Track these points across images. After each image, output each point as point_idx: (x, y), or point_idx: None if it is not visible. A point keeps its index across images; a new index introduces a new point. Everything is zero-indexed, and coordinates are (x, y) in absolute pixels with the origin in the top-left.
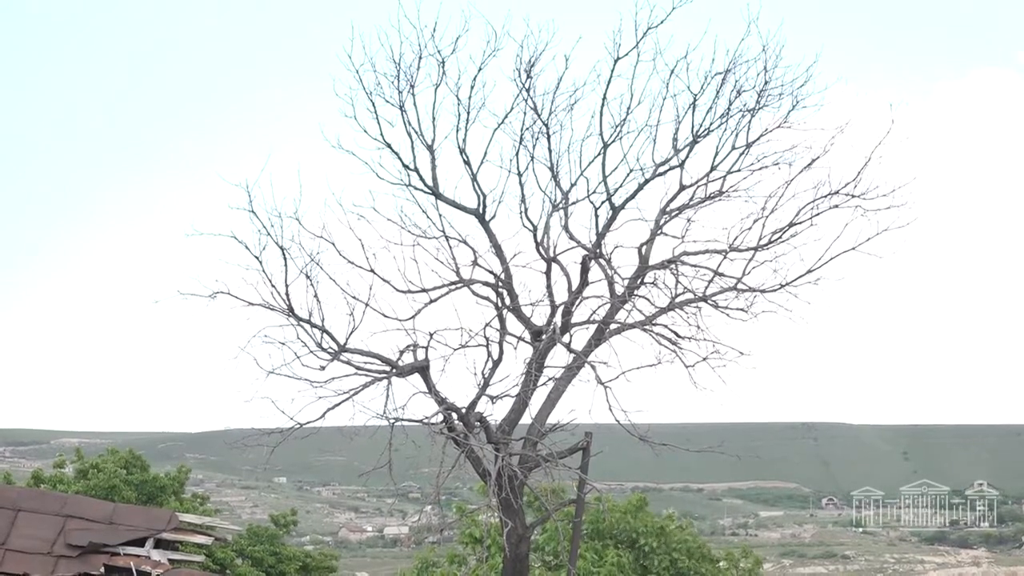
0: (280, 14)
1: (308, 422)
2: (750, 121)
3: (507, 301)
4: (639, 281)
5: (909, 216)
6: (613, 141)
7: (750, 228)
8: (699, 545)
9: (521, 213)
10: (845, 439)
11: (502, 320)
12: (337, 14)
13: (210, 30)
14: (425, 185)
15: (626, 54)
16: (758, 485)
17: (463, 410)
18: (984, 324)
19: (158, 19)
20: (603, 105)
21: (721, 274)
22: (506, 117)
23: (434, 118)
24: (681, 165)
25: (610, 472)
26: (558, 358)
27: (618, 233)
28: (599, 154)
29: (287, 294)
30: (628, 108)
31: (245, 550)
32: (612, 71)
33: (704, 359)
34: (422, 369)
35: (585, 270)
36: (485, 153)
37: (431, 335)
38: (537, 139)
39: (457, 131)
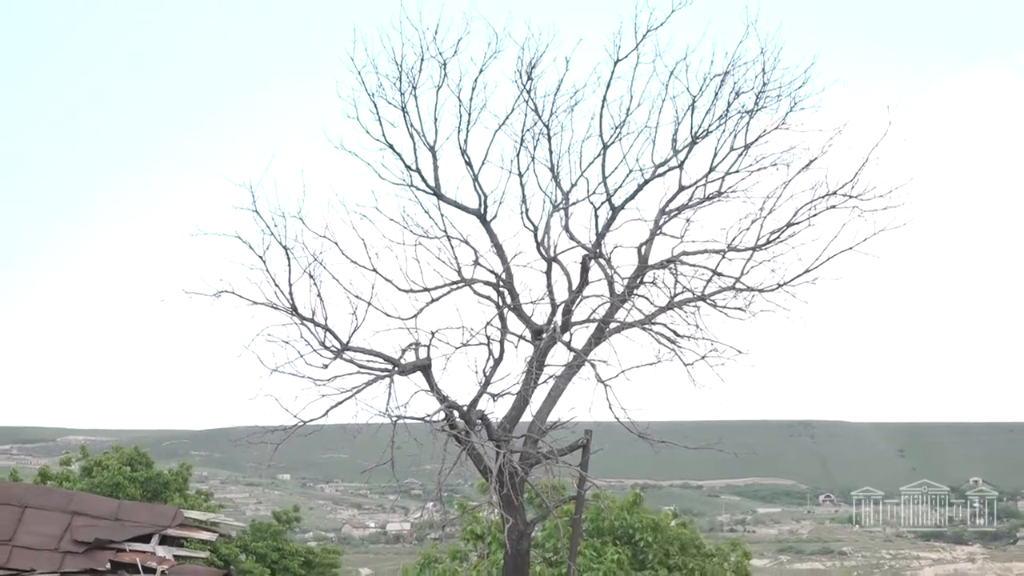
0: (282, 15)
1: (311, 420)
2: (748, 122)
3: (508, 300)
4: (638, 281)
5: (906, 216)
6: (613, 142)
7: (748, 228)
8: (695, 539)
9: (522, 213)
10: (842, 437)
11: (503, 319)
12: (339, 16)
13: (211, 31)
14: (427, 185)
15: (626, 56)
16: (756, 482)
17: (464, 408)
18: (980, 323)
19: (160, 21)
20: (603, 106)
21: (720, 274)
22: (507, 118)
23: (436, 119)
24: (680, 166)
25: (610, 469)
26: (558, 356)
27: (618, 233)
28: (599, 155)
29: (291, 293)
30: (628, 109)
31: (249, 546)
32: (612, 73)
33: (703, 358)
34: (424, 367)
35: (585, 270)
36: (486, 154)
37: (433, 334)
38: (538, 140)
39: (459, 132)
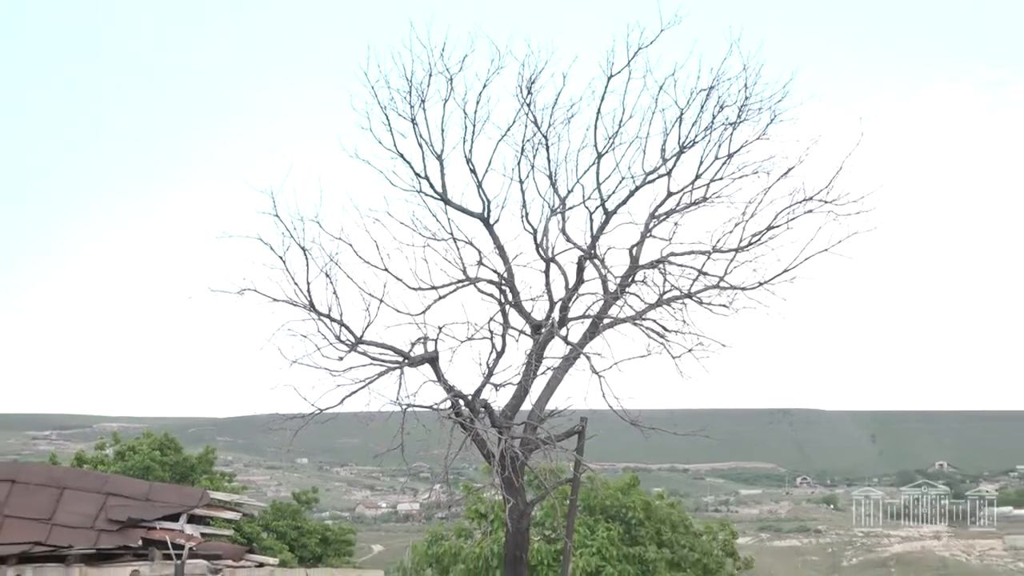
0: (302, 35)
1: (327, 408)
2: (732, 133)
3: (509, 298)
4: (630, 279)
5: (876, 220)
6: (606, 151)
7: (731, 231)
8: (683, 519)
9: (522, 217)
10: (818, 424)
11: (505, 315)
12: (355, 35)
13: (238, 49)
14: (435, 192)
15: (618, 72)
16: (738, 466)
17: (469, 397)
18: (946, 318)
19: (199, 45)
20: (597, 119)
21: (705, 273)
22: (509, 130)
23: (443, 130)
24: (669, 173)
25: (603, 454)
26: (556, 350)
27: (611, 236)
28: (594, 163)
29: (309, 291)
30: (620, 121)
31: (270, 525)
32: (606, 87)
33: (689, 351)
34: (432, 360)
35: (581, 269)
36: (489, 162)
37: (440, 328)
38: (537, 150)
39: (464, 142)
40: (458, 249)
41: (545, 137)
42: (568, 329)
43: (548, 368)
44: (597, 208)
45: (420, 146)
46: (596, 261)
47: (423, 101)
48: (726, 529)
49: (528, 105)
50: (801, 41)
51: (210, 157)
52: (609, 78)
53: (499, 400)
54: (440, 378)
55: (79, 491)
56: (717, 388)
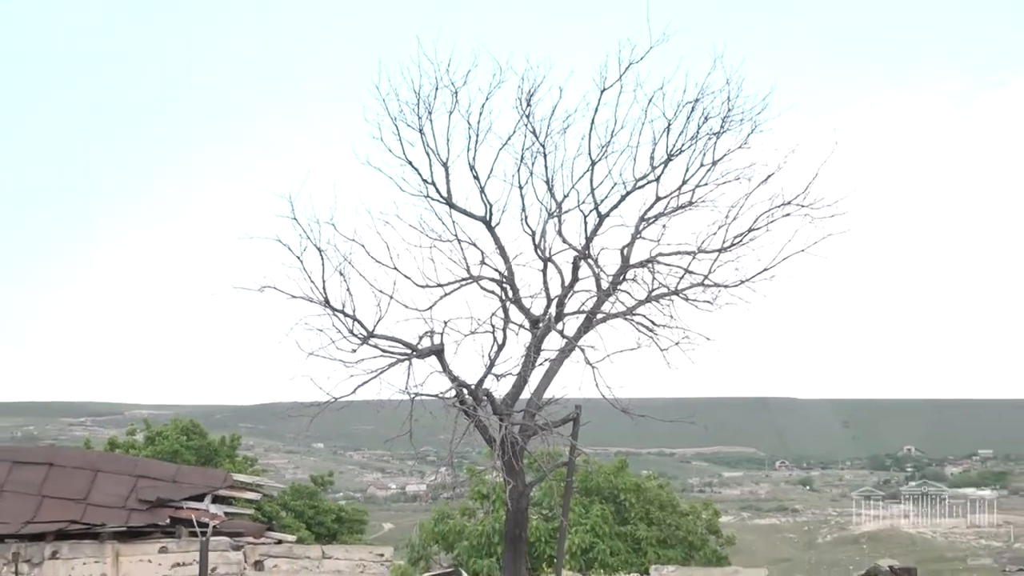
0: (320, 53)
1: (342, 396)
2: (715, 143)
3: (510, 294)
4: (621, 278)
5: (849, 223)
6: (600, 159)
7: (715, 233)
8: (670, 499)
9: (522, 220)
10: (795, 411)
11: (506, 311)
12: (367, 52)
13: (260, 68)
14: (441, 196)
15: (611, 86)
16: (721, 450)
17: (472, 386)
18: (913, 313)
19: (229, 64)
20: (591, 129)
21: (691, 272)
22: (509, 139)
23: (448, 140)
24: (657, 180)
25: (596, 439)
26: (553, 343)
27: (604, 237)
28: (588, 170)
29: (324, 288)
30: (612, 132)
31: (289, 504)
32: (599, 100)
33: (676, 343)
34: (438, 352)
35: (576, 268)
36: (491, 169)
37: (446, 323)
38: (535, 158)
39: (468, 151)
40: (462, 250)
41: (543, 146)
42: (564, 324)
43: (545, 360)
44: (591, 212)
45: (427, 154)
46: (590, 261)
47: (430, 113)
48: (710, 509)
49: (527, 116)
50: (779, 55)
51: (237, 164)
52: (602, 91)
53: (500, 389)
54: (446, 369)
55: (112, 473)
56: (702, 378)
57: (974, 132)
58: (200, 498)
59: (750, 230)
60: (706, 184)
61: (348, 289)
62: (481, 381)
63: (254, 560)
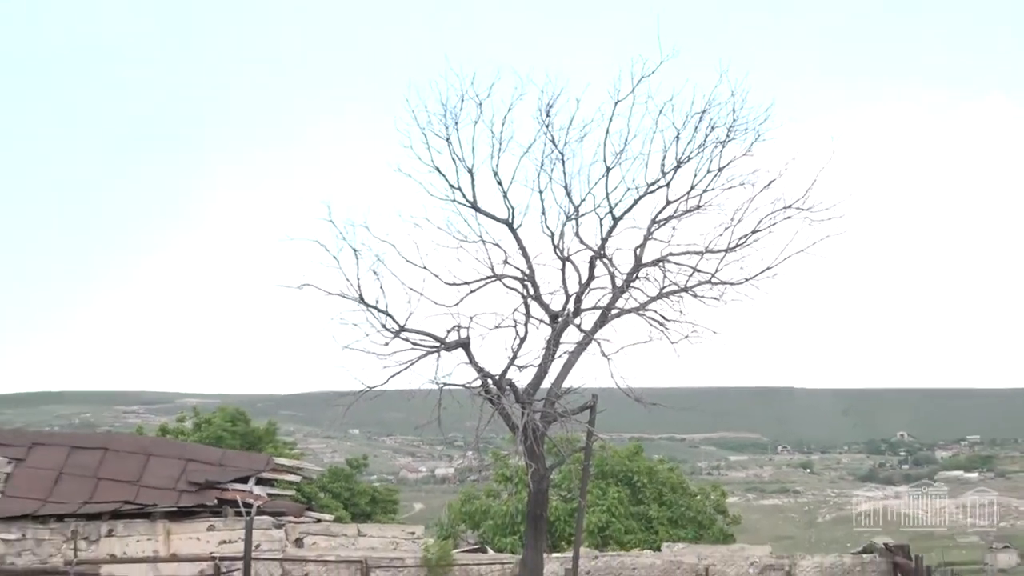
0: (355, 68)
1: (375, 386)
2: (721, 151)
3: (531, 291)
4: (634, 276)
5: (846, 225)
6: (614, 166)
7: (721, 235)
8: (680, 482)
9: (542, 222)
10: (796, 399)
11: (527, 306)
12: (398, 67)
13: (300, 82)
14: (466, 200)
15: (624, 98)
16: (728, 436)
17: (497, 377)
18: (906, 307)
19: (271, 77)
20: (606, 138)
21: (699, 270)
22: (530, 147)
23: (473, 148)
24: (667, 185)
25: (612, 426)
26: (571, 336)
27: (618, 238)
28: (603, 176)
29: (359, 286)
30: (626, 140)
31: (326, 486)
32: (613, 111)
33: (685, 337)
34: (464, 345)
35: (592, 267)
36: (513, 175)
37: (471, 318)
38: (554, 164)
39: (492, 158)
40: (487, 250)
41: (561, 154)
42: (581, 319)
43: (564, 352)
44: (606, 215)
45: (454, 161)
46: (605, 260)
47: (456, 123)
48: (717, 490)
49: (547, 126)
50: (781, 69)
51: (280, 169)
52: (616, 103)
53: (522, 380)
54: (471, 361)
55: (163, 457)
56: (709, 369)
57: (954, 139)
58: (245, 480)
59: (754, 232)
60: (713, 189)
61: (381, 287)
62: (505, 372)
63: (295, 537)
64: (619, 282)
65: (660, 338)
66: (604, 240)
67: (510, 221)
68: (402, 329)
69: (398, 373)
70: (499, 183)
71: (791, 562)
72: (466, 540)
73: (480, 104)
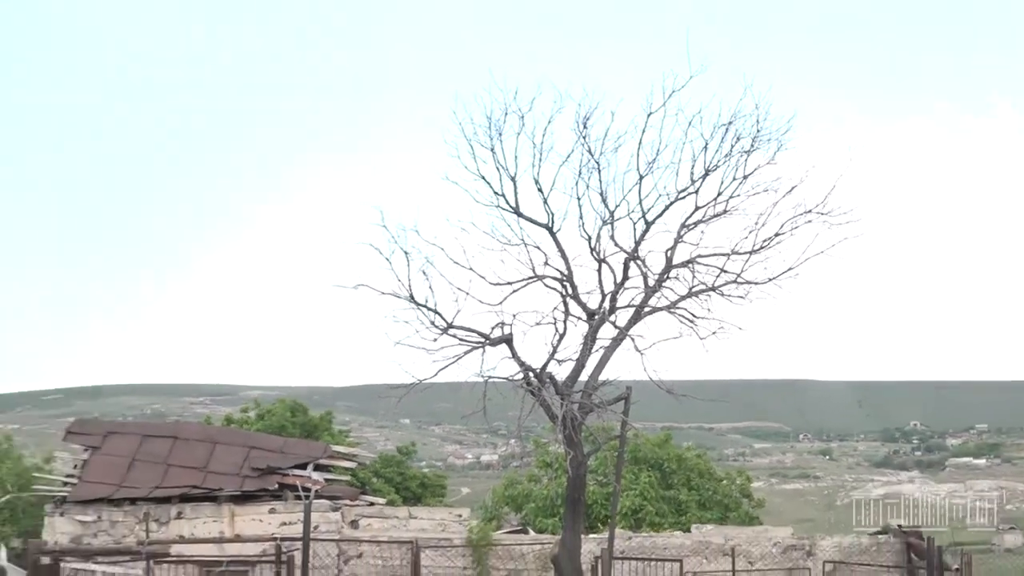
0: (406, 82)
1: (425, 379)
2: (746, 159)
3: (569, 291)
4: (666, 276)
5: (862, 228)
6: (647, 174)
7: (746, 237)
8: (708, 468)
9: (580, 227)
10: (816, 391)
11: (566, 305)
12: (445, 82)
13: (353, 97)
14: (509, 206)
15: (656, 110)
16: (752, 425)
17: (538, 370)
18: (917, 305)
19: (326, 89)
20: (639, 148)
21: (726, 271)
22: (568, 157)
23: (516, 157)
24: (696, 191)
25: (644, 416)
26: (606, 332)
27: (650, 241)
28: (636, 184)
29: (410, 286)
30: (657, 150)
31: (379, 472)
32: (646, 123)
33: (713, 333)
34: (507, 340)
35: (626, 268)
36: (553, 183)
37: (514, 316)
38: (591, 173)
39: (533, 167)
40: (528, 252)
41: (597, 163)
42: (616, 316)
43: (600, 347)
44: (639, 219)
45: (498, 170)
46: (638, 262)
47: (500, 134)
48: (743, 475)
49: (584, 137)
50: (803, 83)
51: (338, 176)
52: (648, 115)
53: (561, 373)
54: (514, 355)
55: (228, 445)
56: (735, 362)
57: (963, 148)
58: (304, 466)
59: (777, 235)
60: (738, 195)
61: (430, 286)
62: (545, 365)
63: (350, 520)
64: (651, 282)
65: (689, 334)
66: (637, 243)
67: (550, 225)
68: (450, 326)
69: (446, 367)
70: (540, 190)
71: (811, 542)
72: (509, 522)
73: (522, 117)
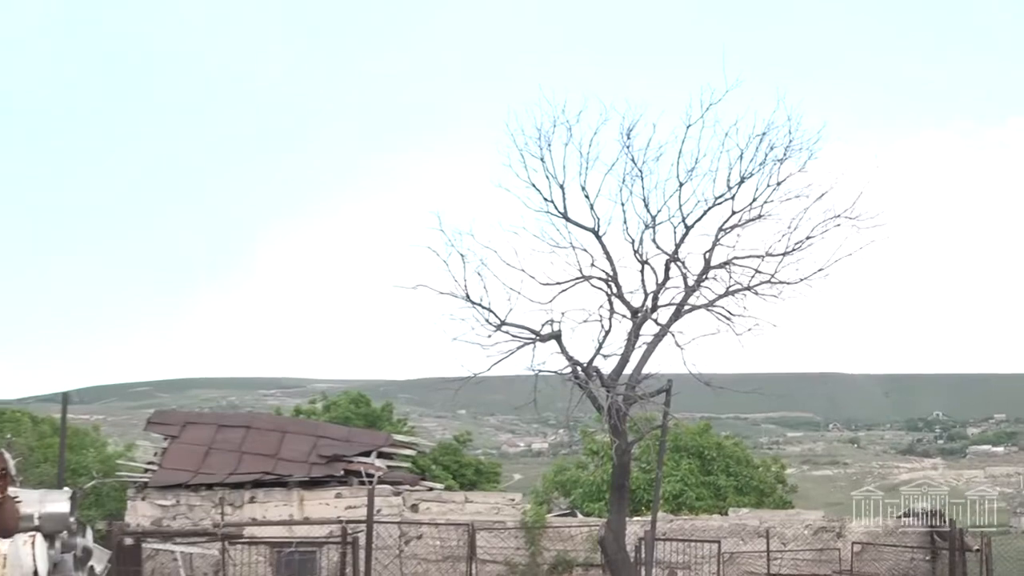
0: (459, 96)
1: (480, 372)
2: (779, 168)
3: (614, 290)
4: (704, 276)
5: (888, 231)
6: (686, 181)
7: (780, 240)
8: (744, 455)
9: (624, 231)
10: (845, 382)
11: (611, 303)
12: (499, 97)
13: (413, 107)
14: (558, 212)
15: (695, 122)
16: (786, 415)
17: (585, 364)
18: (943, 301)
19: (392, 102)
20: (679, 157)
21: (760, 271)
22: (613, 166)
23: (564, 166)
24: (732, 197)
25: (684, 406)
26: (649, 329)
27: (690, 244)
28: (676, 190)
29: (465, 286)
30: (696, 159)
31: (437, 459)
32: (685, 134)
33: (748, 329)
34: (557, 336)
35: (667, 269)
36: (599, 190)
37: (563, 313)
38: (634, 180)
39: (580, 175)
40: (576, 255)
41: (640, 171)
42: (658, 314)
43: (643, 343)
44: (679, 224)
45: (547, 178)
46: (679, 263)
47: (549, 145)
48: (777, 463)
49: (627, 147)
50: (830, 97)
51: (394, 180)
52: (688, 127)
53: (607, 367)
54: (563, 350)
55: (297, 434)
56: (769, 356)
57: (981, 159)
58: (367, 454)
59: (808, 238)
60: (772, 201)
61: (484, 286)
62: (592, 360)
63: (411, 503)
64: (691, 282)
65: (726, 330)
66: (677, 246)
67: (596, 229)
68: (503, 323)
69: (499, 361)
70: (586, 197)
71: (841, 524)
72: (559, 506)
73: (570, 128)
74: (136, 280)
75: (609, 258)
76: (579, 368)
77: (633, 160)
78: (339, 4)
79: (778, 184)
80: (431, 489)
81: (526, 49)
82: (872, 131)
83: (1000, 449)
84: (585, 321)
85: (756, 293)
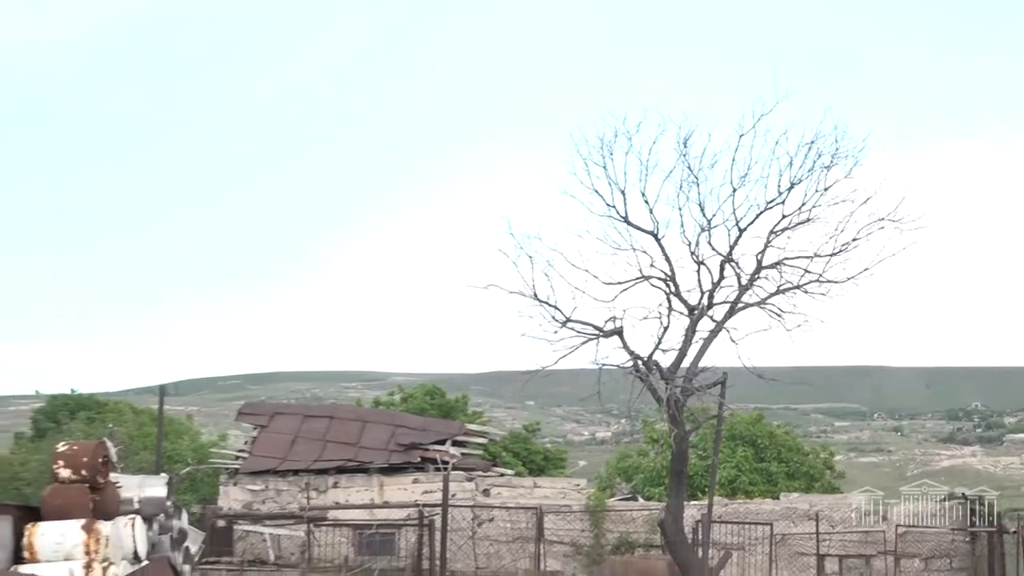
0: (532, 110)
1: (547, 366)
2: (826, 174)
3: (672, 289)
4: (757, 276)
5: (928, 234)
6: (739, 187)
7: (827, 242)
8: (795, 443)
9: (681, 233)
10: (888, 375)
11: (669, 301)
12: (565, 108)
13: (488, 117)
14: (620, 216)
15: (747, 132)
16: (833, 406)
17: (645, 358)
18: (984, 300)
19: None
20: (732, 164)
21: (809, 271)
22: (671, 172)
23: (625, 173)
24: (783, 202)
25: (738, 397)
26: (705, 325)
27: (743, 245)
28: (730, 195)
29: (533, 285)
30: (748, 166)
31: (508, 446)
32: (738, 143)
33: (798, 326)
34: (619, 332)
35: (722, 269)
36: (658, 195)
37: (624, 311)
38: (690, 186)
39: (640, 181)
40: (636, 256)
41: (696, 177)
42: (713, 311)
43: (699, 338)
44: (733, 227)
45: (609, 184)
46: (733, 264)
47: (611, 153)
48: (825, 450)
49: (684, 155)
50: (874, 107)
51: (465, 186)
52: (740, 136)
53: (665, 361)
54: (624, 345)
55: (377, 424)
56: (817, 350)
57: (1014, 161)
58: (442, 442)
59: (854, 239)
60: (820, 205)
61: (551, 286)
62: (651, 355)
63: (483, 488)
64: (744, 281)
65: (777, 326)
66: (731, 247)
67: (655, 232)
68: (568, 320)
69: (565, 356)
70: (646, 202)
71: (885, 508)
72: (621, 491)
73: (630, 138)
74: (228, 277)
75: (667, 259)
76: (640, 362)
77: (689, 167)
78: (417, 8)
79: (825, 189)
80: (502, 475)
81: (590, 64)
82: (913, 139)
83: None
84: (645, 318)
85: (805, 291)
